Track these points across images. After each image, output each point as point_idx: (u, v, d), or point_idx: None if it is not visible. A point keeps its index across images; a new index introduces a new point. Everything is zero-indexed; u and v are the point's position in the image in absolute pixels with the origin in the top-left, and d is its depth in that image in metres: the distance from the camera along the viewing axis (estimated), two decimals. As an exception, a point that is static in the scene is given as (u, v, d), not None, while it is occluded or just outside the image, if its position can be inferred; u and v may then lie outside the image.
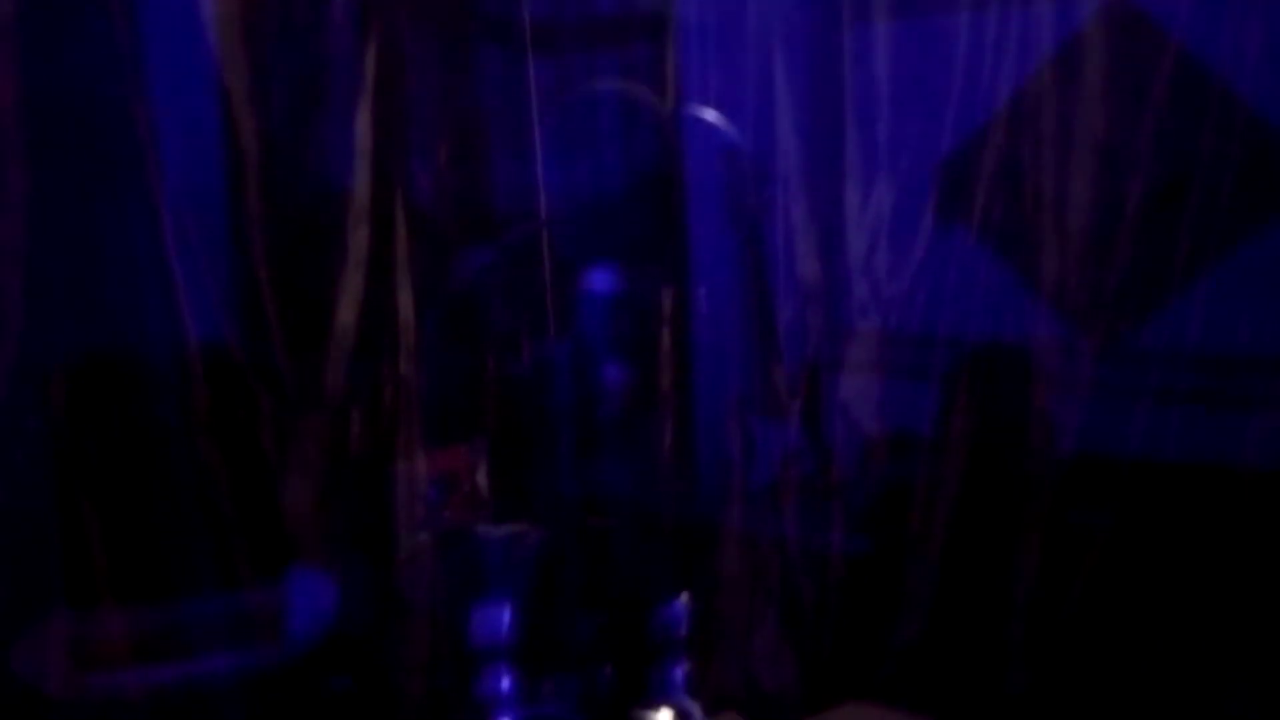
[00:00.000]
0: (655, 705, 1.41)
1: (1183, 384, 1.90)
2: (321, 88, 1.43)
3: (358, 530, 1.40)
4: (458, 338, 1.58)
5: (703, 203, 2.26)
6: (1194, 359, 1.89)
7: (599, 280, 1.47)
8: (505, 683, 1.34)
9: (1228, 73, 1.87)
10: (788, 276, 2.35)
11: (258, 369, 1.36)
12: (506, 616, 1.30)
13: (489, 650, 1.34)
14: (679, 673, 1.48)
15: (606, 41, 1.96)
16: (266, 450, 1.29)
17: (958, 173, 2.13)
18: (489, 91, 1.65)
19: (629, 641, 1.39)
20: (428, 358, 1.49)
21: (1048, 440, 1.81)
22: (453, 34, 1.55)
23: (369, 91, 1.46)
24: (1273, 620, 1.67)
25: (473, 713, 1.29)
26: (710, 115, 1.74)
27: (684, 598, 1.50)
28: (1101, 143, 2.00)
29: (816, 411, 2.25)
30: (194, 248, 1.23)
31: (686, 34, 2.12)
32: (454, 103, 1.57)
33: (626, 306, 1.50)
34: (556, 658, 1.34)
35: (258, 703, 1.29)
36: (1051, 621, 1.85)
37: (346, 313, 1.51)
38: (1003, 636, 1.89)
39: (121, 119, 1.16)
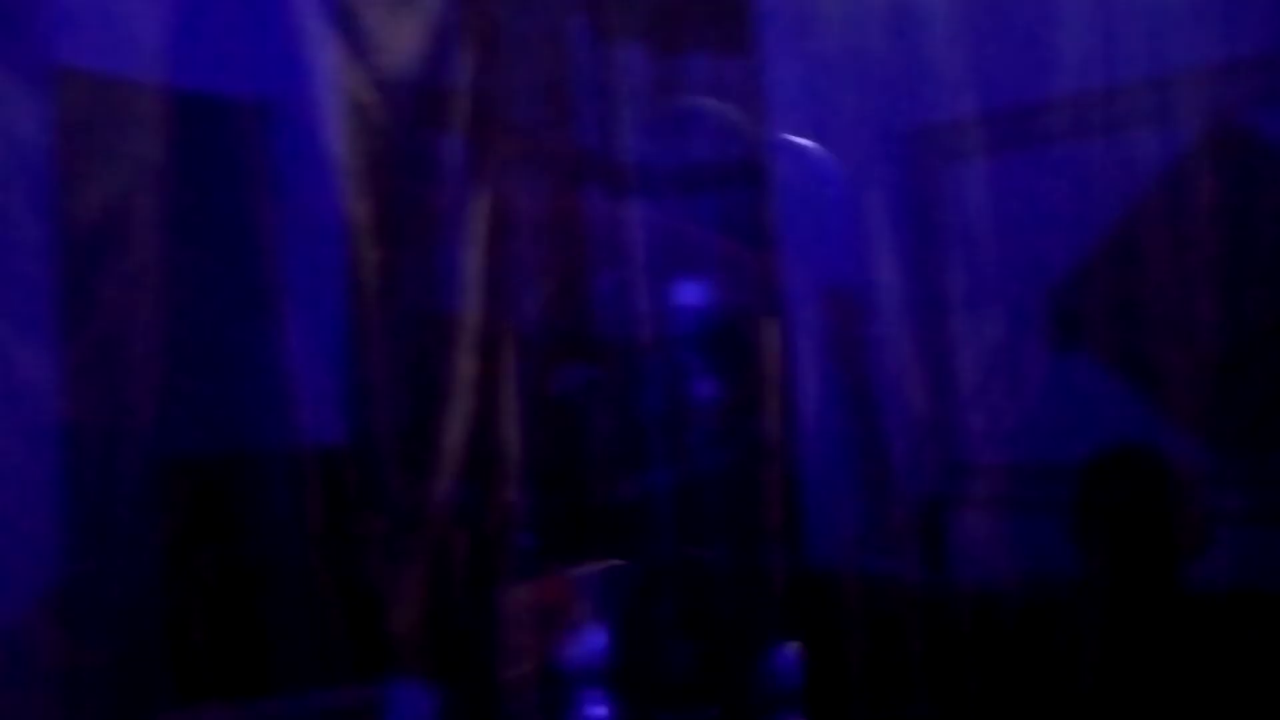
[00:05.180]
0: None
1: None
2: (436, 221, 1.53)
3: (460, 650, 1.36)
4: (559, 459, 1.58)
5: (806, 342, 2.25)
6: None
7: (689, 292, 1.45)
8: (602, 711, 1.25)
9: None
10: (898, 413, 2.29)
11: (368, 484, 1.38)
12: (602, 640, 1.22)
13: (585, 673, 1.26)
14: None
15: (704, 187, 2.04)
16: (372, 564, 1.29)
17: (1072, 299, 2.08)
18: (592, 228, 1.73)
19: (736, 683, 1.27)
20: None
21: (1198, 546, 1.65)
22: (559, 175, 1.64)
23: (479, 227, 1.54)
24: None
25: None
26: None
27: (795, 647, 1.38)
28: (1217, 260, 1.94)
29: (937, 552, 2.13)
30: (312, 357, 1.29)
31: (782, 180, 2.18)
32: (559, 237, 1.65)
33: (718, 320, 1.46)
34: (658, 692, 1.23)
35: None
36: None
37: (453, 436, 1.53)
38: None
39: (254, 247, 1.26)
